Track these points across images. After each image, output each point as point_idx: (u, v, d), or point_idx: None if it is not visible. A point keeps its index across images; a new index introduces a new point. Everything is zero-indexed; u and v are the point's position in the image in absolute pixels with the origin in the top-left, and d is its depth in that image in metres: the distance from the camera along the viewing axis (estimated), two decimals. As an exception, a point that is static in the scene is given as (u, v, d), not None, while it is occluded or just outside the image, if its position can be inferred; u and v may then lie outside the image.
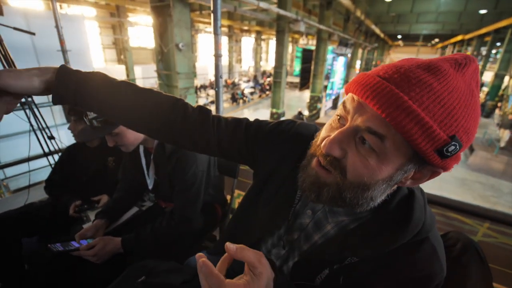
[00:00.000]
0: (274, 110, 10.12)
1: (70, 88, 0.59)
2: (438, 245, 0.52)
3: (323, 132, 0.52)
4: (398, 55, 49.31)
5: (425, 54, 45.73)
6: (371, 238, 0.52)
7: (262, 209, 0.70)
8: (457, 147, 0.40)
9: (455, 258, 0.64)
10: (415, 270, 0.49)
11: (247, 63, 30.37)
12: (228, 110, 15.09)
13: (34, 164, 2.96)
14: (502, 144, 8.76)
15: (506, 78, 14.90)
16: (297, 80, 17.52)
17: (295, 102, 16.79)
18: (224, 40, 21.64)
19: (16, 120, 2.45)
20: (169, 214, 1.19)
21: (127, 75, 14.94)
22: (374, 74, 0.43)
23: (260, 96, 19.91)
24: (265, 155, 0.70)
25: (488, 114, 15.27)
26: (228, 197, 1.52)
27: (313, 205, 0.63)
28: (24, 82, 0.56)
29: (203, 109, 0.71)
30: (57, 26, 3.01)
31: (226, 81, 21.19)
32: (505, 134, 8.86)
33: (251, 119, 0.75)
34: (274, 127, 0.70)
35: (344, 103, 0.48)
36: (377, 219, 0.54)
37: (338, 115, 0.49)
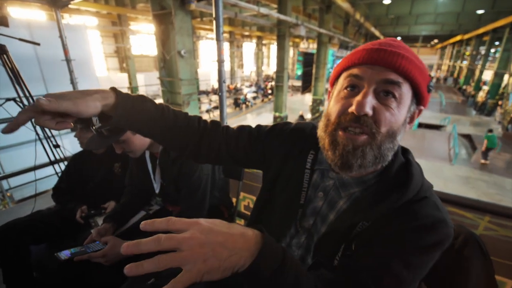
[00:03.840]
0: (277, 114, 10.16)
1: (128, 112, 0.64)
2: (438, 202, 0.57)
3: (335, 106, 0.58)
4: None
5: (425, 54, 45.66)
6: (378, 199, 0.57)
7: (277, 203, 0.76)
8: (432, 83, 0.57)
9: (457, 251, 0.65)
10: (417, 219, 0.53)
11: (248, 68, 30.52)
12: (231, 115, 15.07)
13: (39, 173, 2.98)
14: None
15: (506, 77, 14.87)
16: (298, 83, 17.58)
17: (298, 106, 16.80)
18: (226, 46, 21.81)
19: (21, 129, 2.49)
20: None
21: (130, 83, 15.06)
22: (376, 48, 0.55)
23: (262, 100, 19.98)
24: (270, 153, 0.77)
25: (490, 112, 15.21)
26: (234, 199, 1.54)
27: (324, 186, 0.68)
28: (91, 109, 0.58)
29: (214, 121, 0.80)
30: (61, 36, 3.06)
31: (228, 86, 21.28)
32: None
33: (254, 123, 0.84)
34: (273, 127, 0.80)
35: (350, 76, 0.57)
36: (381, 184, 0.60)
37: (347, 86, 0.57)
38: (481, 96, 17.32)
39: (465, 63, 26.05)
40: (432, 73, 38.83)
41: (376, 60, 0.53)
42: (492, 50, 21.57)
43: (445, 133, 11.09)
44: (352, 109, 0.53)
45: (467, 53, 25.78)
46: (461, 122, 13.23)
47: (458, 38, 25.74)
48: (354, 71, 0.56)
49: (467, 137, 10.71)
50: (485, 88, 17.98)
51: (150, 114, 0.68)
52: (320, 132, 0.62)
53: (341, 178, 0.64)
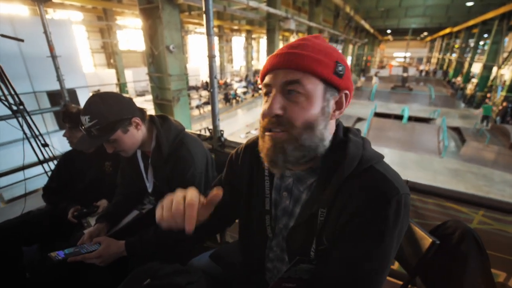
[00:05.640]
0: (268, 109, 10.13)
1: None
2: (386, 171, 0.59)
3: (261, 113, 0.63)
4: (389, 49, 49.72)
5: (415, 47, 46.16)
6: (324, 183, 0.61)
7: (252, 217, 0.81)
8: (343, 67, 0.59)
9: (455, 245, 0.66)
10: (365, 194, 0.56)
11: (238, 63, 30.27)
12: (221, 111, 14.77)
13: (29, 172, 2.91)
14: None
15: (494, 69, 15.12)
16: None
17: (289, 100, 16.66)
18: (215, 40, 21.52)
19: (8, 128, 2.42)
20: (171, 216, 1.19)
21: (118, 79, 14.79)
22: (276, 54, 0.60)
23: (253, 95, 19.85)
24: (236, 182, 0.84)
25: (478, 105, 15.47)
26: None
27: (285, 185, 0.72)
28: None
29: None
30: (45, 32, 2.95)
31: (218, 81, 21.06)
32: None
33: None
34: (229, 161, 0.88)
35: (263, 85, 0.63)
36: (324, 166, 0.63)
37: (265, 94, 0.63)
38: (470, 89, 17.57)
39: (454, 55, 26.41)
40: (422, 66, 39.31)
41: (278, 65, 0.58)
42: (481, 43, 21.90)
43: (434, 126, 11.26)
44: (264, 112, 0.59)
45: (456, 45, 26.10)
46: (450, 115, 13.45)
47: (447, 30, 26.07)
48: (266, 79, 0.62)
49: (456, 130, 10.91)
50: (474, 80, 18.28)
51: None
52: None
53: (296, 174, 0.68)
